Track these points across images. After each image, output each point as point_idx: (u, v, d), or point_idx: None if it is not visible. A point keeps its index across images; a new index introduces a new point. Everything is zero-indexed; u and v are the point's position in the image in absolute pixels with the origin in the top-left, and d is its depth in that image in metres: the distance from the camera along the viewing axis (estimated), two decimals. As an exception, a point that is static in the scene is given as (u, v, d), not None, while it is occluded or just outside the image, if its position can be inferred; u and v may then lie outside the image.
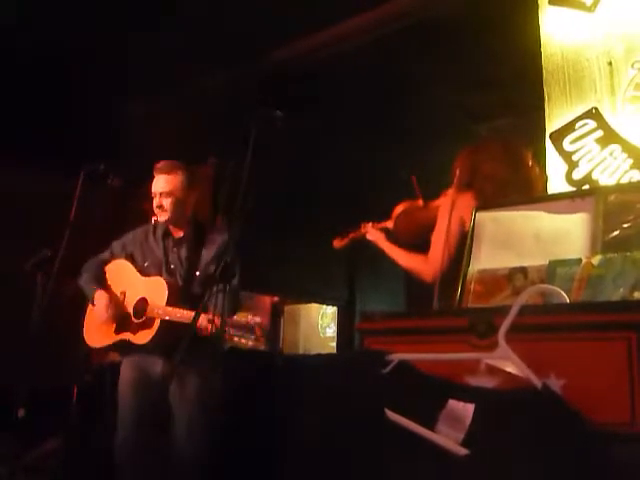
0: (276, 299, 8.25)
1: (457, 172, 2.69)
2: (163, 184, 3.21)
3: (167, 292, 3.07)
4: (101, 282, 3.29)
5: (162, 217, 3.23)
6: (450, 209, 2.51)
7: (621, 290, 1.49)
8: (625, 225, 1.60)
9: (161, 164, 3.25)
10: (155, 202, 3.23)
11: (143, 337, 3.09)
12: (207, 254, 3.19)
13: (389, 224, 3.05)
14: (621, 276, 1.50)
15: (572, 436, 1.09)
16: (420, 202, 3.05)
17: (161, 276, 3.19)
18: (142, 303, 3.14)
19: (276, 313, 8.36)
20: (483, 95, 4.67)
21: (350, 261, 6.74)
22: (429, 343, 1.42)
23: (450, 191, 2.69)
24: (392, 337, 1.48)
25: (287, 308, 8.58)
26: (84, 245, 3.46)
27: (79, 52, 4.61)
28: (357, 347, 1.54)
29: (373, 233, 3.05)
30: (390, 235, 3.00)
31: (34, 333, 3.19)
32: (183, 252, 3.26)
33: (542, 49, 2.80)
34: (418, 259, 2.75)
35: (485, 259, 1.78)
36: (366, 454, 1.21)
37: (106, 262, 3.37)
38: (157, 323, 3.06)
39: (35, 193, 5.43)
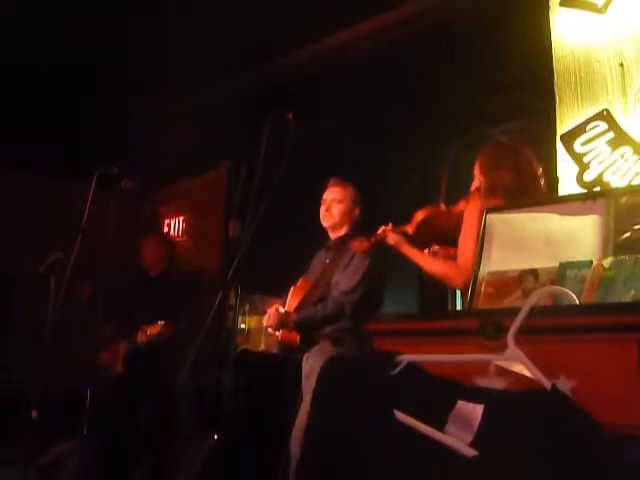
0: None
1: (480, 178, 2.64)
2: (337, 193, 3.53)
3: (290, 294, 3.43)
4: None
5: (327, 221, 3.52)
6: (480, 214, 2.45)
7: (632, 292, 1.48)
8: (636, 227, 1.59)
9: (335, 179, 3.58)
10: (324, 207, 3.53)
11: None
12: (345, 269, 3.37)
13: (408, 228, 2.92)
14: (632, 278, 1.49)
15: (582, 438, 1.08)
16: (442, 206, 2.94)
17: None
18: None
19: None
20: (494, 97, 4.65)
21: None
22: (439, 344, 1.42)
23: (474, 196, 2.63)
24: (401, 338, 1.48)
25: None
26: (97, 247, 3.49)
27: (94, 56, 4.65)
28: (367, 348, 1.54)
29: (393, 237, 2.92)
30: (408, 239, 2.89)
31: (48, 334, 3.22)
32: (327, 258, 3.50)
33: (553, 51, 2.79)
34: (448, 265, 2.66)
35: (496, 261, 1.77)
36: (374, 455, 1.21)
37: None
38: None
39: (48, 195, 5.49)
